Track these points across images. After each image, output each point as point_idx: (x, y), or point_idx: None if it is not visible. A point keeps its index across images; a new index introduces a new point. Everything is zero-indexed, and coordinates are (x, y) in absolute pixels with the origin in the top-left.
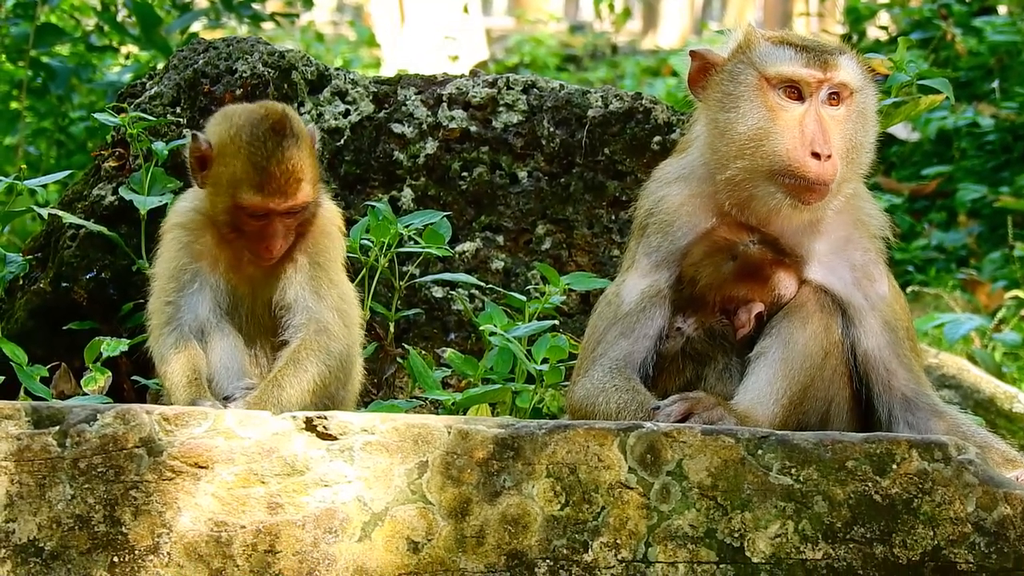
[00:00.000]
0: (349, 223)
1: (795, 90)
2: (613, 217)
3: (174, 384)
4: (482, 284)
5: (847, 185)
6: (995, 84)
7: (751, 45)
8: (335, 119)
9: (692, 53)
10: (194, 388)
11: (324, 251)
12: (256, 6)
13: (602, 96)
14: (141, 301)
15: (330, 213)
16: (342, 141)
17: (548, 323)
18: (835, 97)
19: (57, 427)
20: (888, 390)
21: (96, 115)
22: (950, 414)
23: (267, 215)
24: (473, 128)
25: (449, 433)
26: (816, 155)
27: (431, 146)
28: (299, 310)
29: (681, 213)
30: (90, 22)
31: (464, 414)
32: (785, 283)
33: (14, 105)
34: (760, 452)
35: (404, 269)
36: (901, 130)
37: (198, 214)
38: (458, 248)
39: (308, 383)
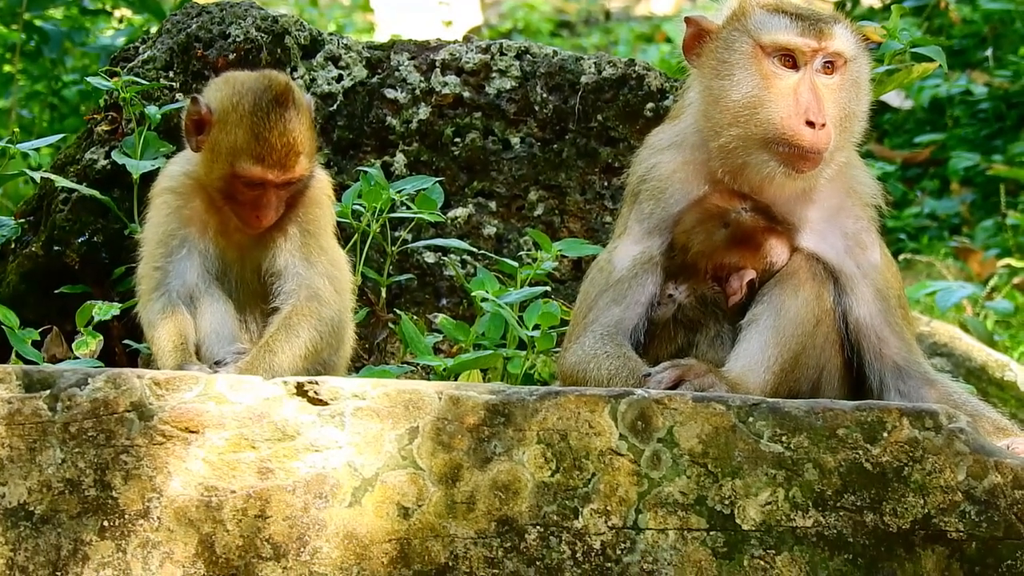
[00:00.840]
0: (341, 188)
1: (790, 58)
2: (606, 183)
3: (161, 349)
4: (474, 250)
5: (840, 153)
6: (988, 52)
7: (746, 13)
8: (328, 84)
9: (687, 20)
10: (180, 353)
11: (314, 219)
12: None
13: (595, 62)
14: (133, 265)
15: (321, 182)
16: (335, 106)
17: (540, 289)
18: (829, 66)
19: (48, 391)
20: (879, 358)
21: (89, 79)
22: (941, 382)
23: (263, 185)
24: (466, 94)
25: (440, 399)
26: (811, 123)
27: (424, 112)
28: (290, 277)
29: (674, 180)
30: None
31: (455, 380)
32: (777, 250)
33: (7, 68)
34: (751, 419)
35: (396, 234)
36: (894, 98)
37: (188, 178)
38: (450, 214)
39: (300, 348)
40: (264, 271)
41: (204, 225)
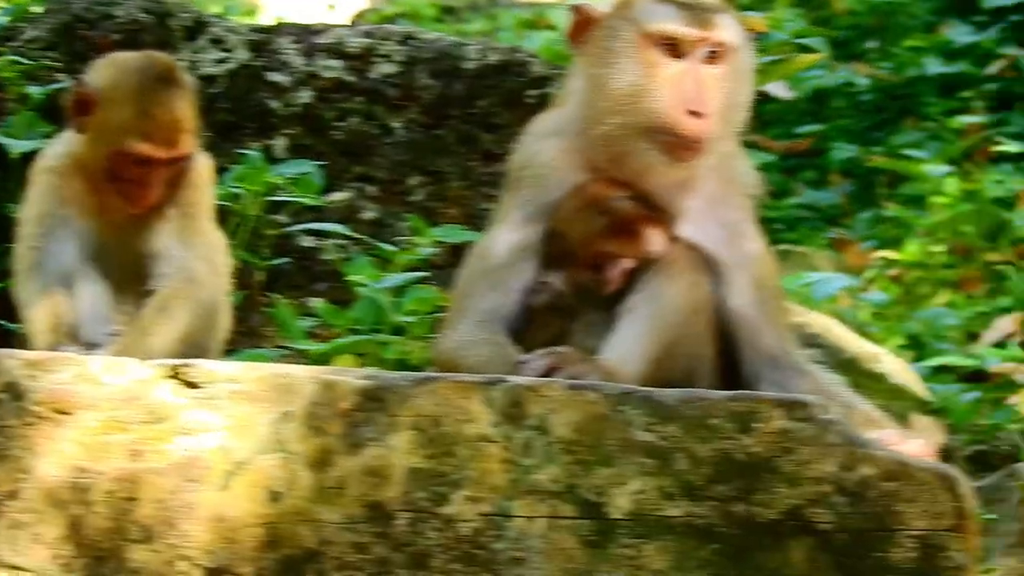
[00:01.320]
0: (222, 171)
1: (674, 48)
2: (486, 170)
3: (36, 330)
4: (353, 234)
5: (722, 143)
6: (872, 44)
7: (631, 1)
8: (211, 66)
9: (573, 8)
10: (54, 335)
11: (194, 202)
12: None
13: (479, 49)
14: (12, 245)
15: (201, 164)
16: (217, 89)
17: (417, 275)
18: (714, 56)
19: None
20: (754, 348)
21: None
22: (815, 373)
23: (150, 163)
24: (349, 78)
25: (314, 383)
26: (694, 113)
27: (306, 95)
28: (167, 258)
29: (554, 167)
30: None
31: (330, 365)
32: (655, 239)
33: None
34: (624, 408)
35: (275, 218)
36: (776, 88)
37: (70, 159)
38: (330, 198)
39: (175, 331)
40: (142, 253)
41: (83, 206)
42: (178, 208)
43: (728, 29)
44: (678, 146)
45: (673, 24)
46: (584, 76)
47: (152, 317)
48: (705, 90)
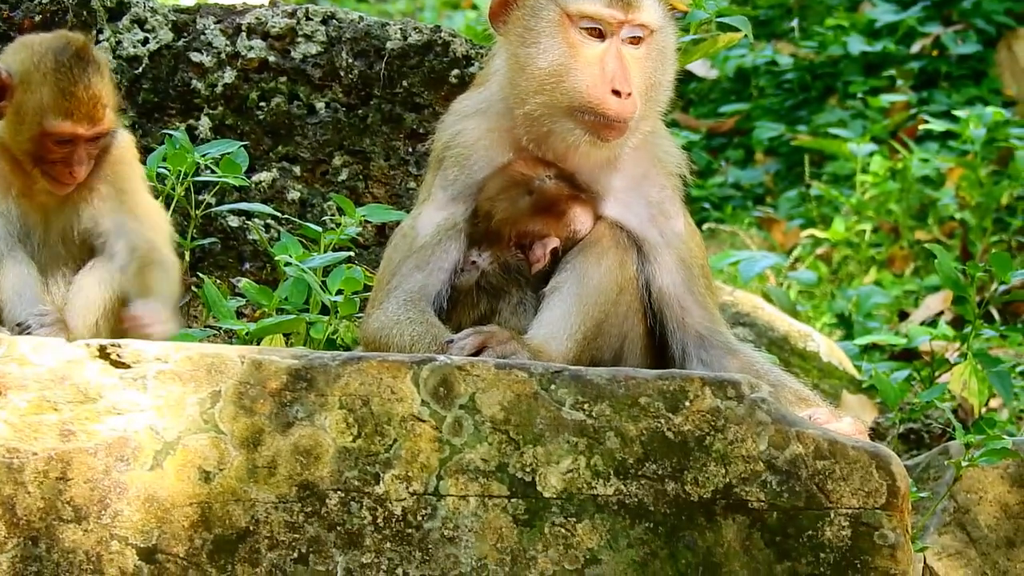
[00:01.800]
0: (146, 151)
1: (596, 29)
2: (410, 150)
3: None
4: (278, 214)
5: (646, 123)
6: (794, 23)
7: None
8: (134, 47)
9: None
10: None
11: (127, 178)
12: None
13: (401, 29)
14: None
15: (125, 141)
16: (140, 69)
17: (343, 254)
18: (636, 37)
19: None
20: (682, 327)
21: None
22: (744, 352)
23: (73, 141)
24: (272, 58)
25: (242, 363)
26: (616, 92)
27: (229, 75)
28: (120, 234)
29: (478, 147)
30: None
31: (258, 344)
32: (581, 219)
33: None
34: (553, 387)
35: (200, 198)
36: (699, 67)
37: None
38: (255, 178)
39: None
40: (77, 232)
41: (8, 187)
42: (112, 184)
43: (650, 10)
44: (601, 126)
45: (595, 5)
46: (507, 55)
47: (151, 289)
48: (627, 70)
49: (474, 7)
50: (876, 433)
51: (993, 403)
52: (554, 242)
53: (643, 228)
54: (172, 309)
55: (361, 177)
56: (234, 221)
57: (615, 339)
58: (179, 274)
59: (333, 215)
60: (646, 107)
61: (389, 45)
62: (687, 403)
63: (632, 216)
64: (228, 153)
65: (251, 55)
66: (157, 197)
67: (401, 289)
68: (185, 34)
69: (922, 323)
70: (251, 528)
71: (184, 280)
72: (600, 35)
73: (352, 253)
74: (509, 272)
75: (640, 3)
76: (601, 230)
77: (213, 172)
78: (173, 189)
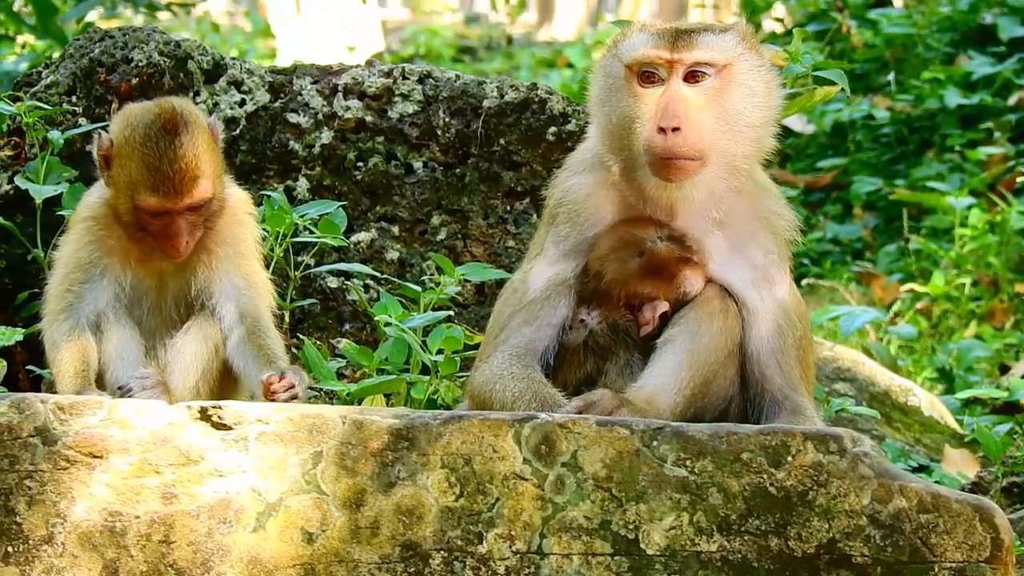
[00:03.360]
0: None
1: (654, 75)
2: (508, 208)
3: (62, 372)
4: (377, 274)
5: (735, 158)
6: (890, 77)
7: (618, 37)
8: (231, 108)
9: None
10: (80, 379)
11: (242, 240)
12: None
13: (497, 86)
14: (36, 291)
15: (240, 201)
16: (238, 131)
17: (443, 314)
18: (695, 74)
19: None
20: (760, 394)
21: None
22: (805, 416)
23: (167, 214)
24: (369, 118)
25: (344, 423)
26: (662, 130)
27: (327, 136)
28: (231, 298)
29: (588, 204)
30: None
31: (359, 405)
32: (691, 281)
33: None
34: (655, 444)
35: (299, 259)
36: (796, 122)
37: (109, 208)
38: (353, 238)
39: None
40: (191, 294)
41: (126, 254)
42: (227, 245)
43: (708, 47)
44: (660, 165)
45: (645, 50)
46: (593, 115)
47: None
48: (676, 106)
49: (570, 65)
50: (979, 487)
51: None
52: (664, 306)
53: (745, 291)
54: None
55: (459, 236)
56: (333, 282)
57: (720, 401)
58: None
59: (432, 274)
60: (724, 141)
61: (486, 103)
62: (789, 458)
63: (736, 278)
64: (327, 213)
65: (348, 115)
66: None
67: (508, 343)
68: (282, 95)
69: (1023, 376)
70: None
71: (284, 342)
72: (658, 79)
73: (452, 312)
74: (617, 333)
75: (691, 40)
76: (711, 292)
77: (312, 233)
78: (272, 250)
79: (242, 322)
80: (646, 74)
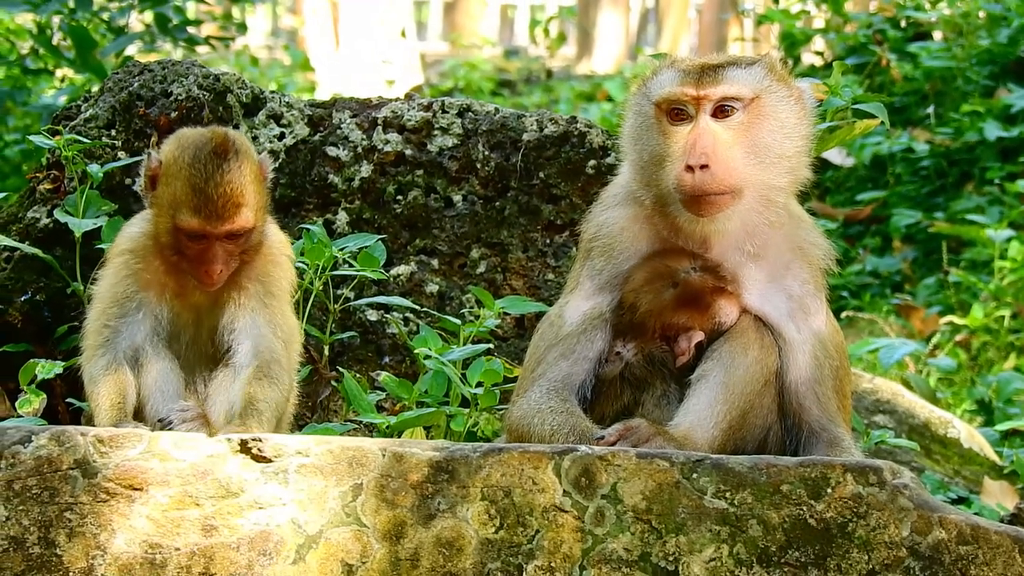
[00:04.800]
0: None
1: (683, 112)
2: (548, 241)
3: (99, 406)
4: (417, 307)
5: (768, 190)
6: (930, 110)
7: (647, 75)
8: (270, 142)
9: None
10: (116, 412)
11: (275, 280)
12: (191, 30)
13: (537, 120)
14: (76, 324)
15: (279, 242)
16: (277, 164)
17: (483, 346)
18: (723, 109)
19: None
20: (797, 425)
21: (31, 137)
22: (850, 451)
23: (205, 238)
24: (408, 151)
25: (384, 456)
26: (690, 168)
27: (366, 169)
28: (249, 336)
29: (623, 237)
30: (25, 45)
31: (399, 437)
32: (726, 311)
33: None
34: (695, 476)
35: (338, 292)
36: (836, 155)
37: (147, 239)
38: (393, 271)
39: (272, 413)
40: (220, 328)
41: (162, 287)
42: (259, 283)
43: (735, 81)
44: (690, 202)
45: (671, 87)
46: (626, 151)
47: (259, 396)
48: (704, 143)
49: (609, 99)
50: (1018, 518)
51: None
52: (699, 336)
53: (781, 322)
54: (266, 426)
55: (499, 269)
56: (373, 315)
57: (759, 430)
58: (289, 394)
59: (472, 308)
60: (759, 173)
61: (525, 137)
62: (829, 490)
63: (772, 309)
64: (366, 247)
65: (387, 148)
66: (296, 292)
67: (545, 377)
68: (321, 128)
69: None
70: None
71: (324, 374)
72: (689, 117)
73: (491, 345)
74: (653, 364)
75: (718, 75)
76: (746, 322)
77: (351, 266)
78: (311, 283)
79: (251, 363)
80: (675, 111)
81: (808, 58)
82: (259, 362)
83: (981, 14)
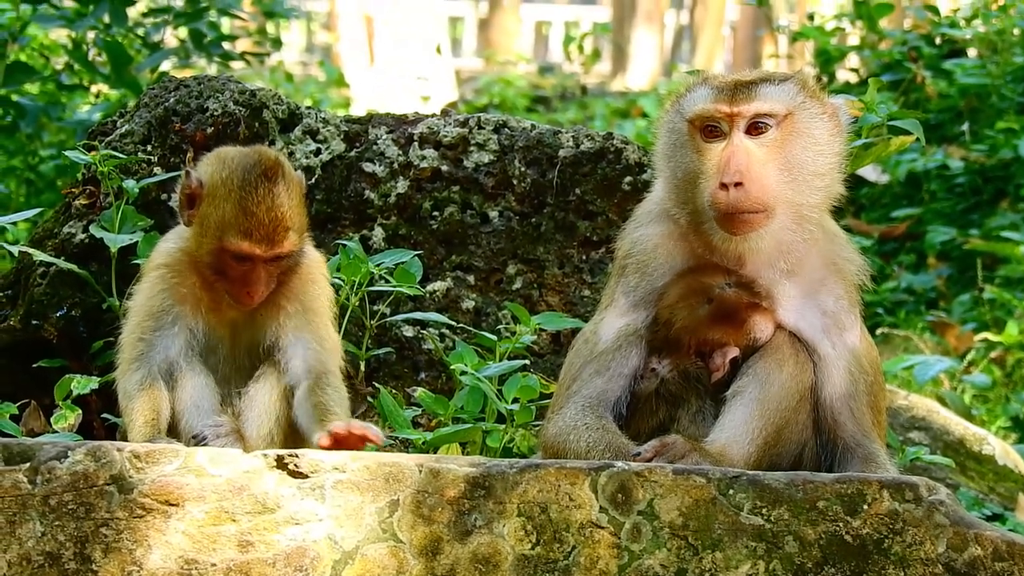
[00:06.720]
0: None
1: (716, 129)
2: (584, 257)
3: (132, 421)
4: (453, 323)
5: (802, 207)
6: (965, 126)
7: (680, 92)
8: (306, 158)
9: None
10: (150, 428)
11: (314, 298)
12: (226, 46)
13: (573, 136)
14: (111, 339)
15: (316, 261)
16: (313, 180)
17: (519, 363)
18: (757, 126)
19: (28, 464)
20: (832, 440)
21: (67, 153)
22: (877, 464)
23: (251, 260)
24: (444, 167)
25: (420, 471)
26: (724, 186)
27: (402, 185)
28: (298, 353)
29: (658, 254)
30: (60, 61)
31: (435, 453)
32: (761, 326)
33: None
34: (731, 492)
35: (375, 308)
36: (871, 172)
37: (183, 254)
38: (429, 287)
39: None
40: (262, 348)
41: (197, 302)
42: (299, 302)
43: (768, 98)
44: (724, 220)
45: (704, 104)
46: (660, 166)
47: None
48: (737, 160)
49: (644, 115)
50: None
51: None
52: (734, 351)
53: (816, 338)
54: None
55: (535, 285)
56: (409, 331)
57: (794, 446)
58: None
59: (508, 323)
60: (791, 191)
61: (561, 153)
62: (865, 506)
63: (806, 325)
64: (402, 263)
65: (424, 164)
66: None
67: (581, 394)
68: (357, 144)
69: None
70: None
71: (360, 390)
72: (720, 133)
73: (527, 361)
74: (688, 380)
75: (751, 92)
76: (781, 338)
77: (387, 282)
78: (348, 299)
79: (307, 377)
80: (709, 128)
81: (843, 75)
82: (314, 376)
83: (1016, 31)
